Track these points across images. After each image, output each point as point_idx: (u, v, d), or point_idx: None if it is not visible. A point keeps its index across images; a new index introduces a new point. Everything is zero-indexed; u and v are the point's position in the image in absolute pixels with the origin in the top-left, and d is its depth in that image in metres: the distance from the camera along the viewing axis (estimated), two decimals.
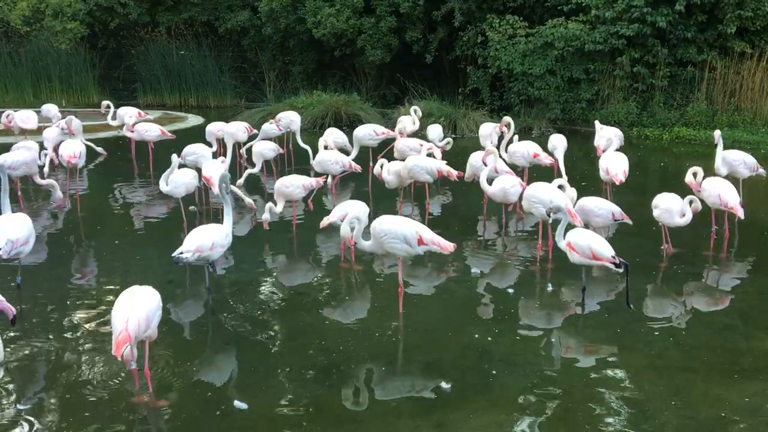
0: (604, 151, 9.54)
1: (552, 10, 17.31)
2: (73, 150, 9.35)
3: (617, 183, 8.64)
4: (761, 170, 8.83)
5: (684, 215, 7.19)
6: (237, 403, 4.52)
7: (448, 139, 11.59)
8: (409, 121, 11.81)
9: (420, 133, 12.07)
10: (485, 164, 8.30)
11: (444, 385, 4.80)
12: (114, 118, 13.14)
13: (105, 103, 13.64)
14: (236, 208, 9.54)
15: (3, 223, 5.95)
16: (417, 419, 4.42)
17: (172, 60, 21.53)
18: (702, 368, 5.10)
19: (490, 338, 5.56)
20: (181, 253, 5.80)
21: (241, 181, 9.42)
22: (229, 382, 4.91)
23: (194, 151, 9.74)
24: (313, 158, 9.84)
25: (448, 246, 5.93)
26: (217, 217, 8.60)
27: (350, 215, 6.05)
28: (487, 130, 11.25)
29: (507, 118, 10.23)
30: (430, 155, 9.60)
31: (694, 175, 7.89)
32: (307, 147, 10.89)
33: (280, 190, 8.01)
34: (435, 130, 11.69)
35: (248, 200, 8.36)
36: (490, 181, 8.06)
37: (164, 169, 8.45)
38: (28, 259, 6.57)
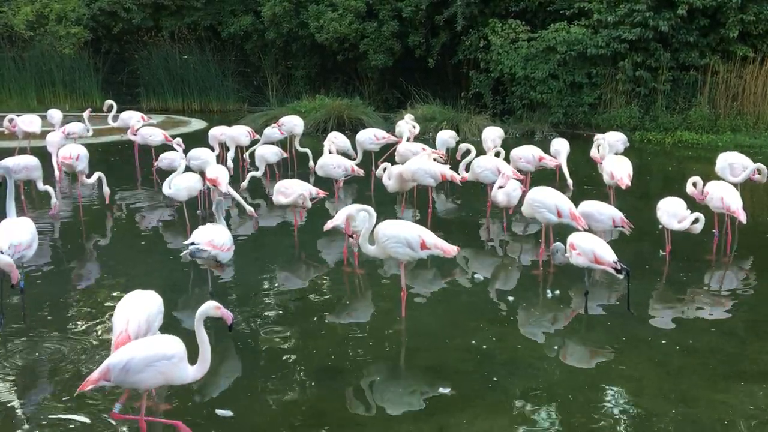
0: (603, 159, 9.53)
1: (554, 14, 17.33)
2: (70, 151, 9.37)
3: (623, 187, 8.62)
4: (757, 177, 8.78)
5: (681, 222, 7.18)
6: (219, 411, 4.50)
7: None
8: (406, 127, 11.81)
9: (425, 137, 12.05)
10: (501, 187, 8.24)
11: (442, 389, 4.80)
12: (115, 119, 13.19)
13: (108, 102, 13.69)
14: (239, 215, 9.58)
15: (6, 227, 5.96)
16: (419, 423, 4.42)
17: (175, 64, 21.58)
18: (705, 373, 5.09)
19: (492, 342, 5.56)
20: (193, 243, 5.79)
21: (245, 184, 9.43)
22: (232, 385, 4.91)
23: (198, 155, 9.76)
24: (314, 161, 9.85)
25: (450, 250, 5.93)
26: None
27: (360, 206, 6.04)
28: (489, 135, 11.26)
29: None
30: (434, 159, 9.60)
31: (694, 185, 7.86)
32: (307, 150, 10.88)
33: (279, 191, 8.03)
34: (443, 136, 11.62)
35: (249, 208, 8.38)
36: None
37: (167, 173, 8.47)
38: (31, 263, 6.59)
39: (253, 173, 9.91)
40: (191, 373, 4.12)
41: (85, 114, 12.74)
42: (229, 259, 6.16)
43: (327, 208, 9.50)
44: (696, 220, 7.13)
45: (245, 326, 5.88)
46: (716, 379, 5.00)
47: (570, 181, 10.09)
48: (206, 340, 4.14)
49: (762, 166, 8.58)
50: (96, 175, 9.14)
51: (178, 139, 10.43)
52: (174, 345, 4.08)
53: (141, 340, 4.20)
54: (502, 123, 16.31)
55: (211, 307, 4.18)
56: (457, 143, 10.76)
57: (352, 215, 6.18)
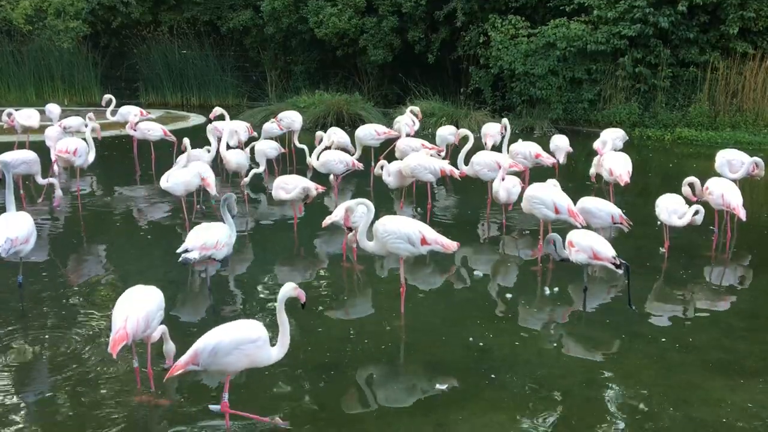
0: (603, 150, 9.54)
1: (554, 10, 17.31)
2: (67, 145, 9.33)
3: (622, 184, 8.60)
4: (755, 171, 8.78)
5: (682, 218, 7.19)
6: (212, 406, 4.48)
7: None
8: (407, 120, 11.79)
9: (424, 132, 12.02)
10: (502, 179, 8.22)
11: (440, 386, 4.79)
12: (113, 114, 13.15)
13: (107, 96, 13.65)
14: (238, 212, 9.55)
15: (3, 222, 5.93)
16: (417, 419, 4.42)
17: (174, 59, 21.53)
18: (704, 370, 5.09)
19: (490, 339, 5.55)
20: (186, 250, 5.79)
21: (246, 180, 9.42)
22: (231, 381, 4.90)
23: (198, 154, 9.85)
24: (310, 157, 9.83)
25: (451, 245, 5.92)
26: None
27: (359, 200, 6.03)
28: (489, 131, 11.26)
29: (494, 123, 10.21)
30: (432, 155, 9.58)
31: (691, 186, 7.83)
32: (304, 146, 10.84)
33: (279, 186, 8.01)
34: (443, 132, 11.58)
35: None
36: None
37: (166, 168, 8.45)
38: (29, 258, 6.57)
39: (255, 170, 9.88)
40: (273, 354, 4.25)
41: (88, 117, 12.32)
42: (225, 256, 6.12)
43: (326, 204, 9.49)
44: (696, 212, 7.15)
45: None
46: (716, 376, 5.00)
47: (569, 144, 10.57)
48: (286, 321, 4.27)
49: (759, 161, 8.59)
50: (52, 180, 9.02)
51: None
52: (258, 329, 4.22)
53: (225, 325, 4.29)
54: (502, 119, 16.28)
55: (290, 288, 4.32)
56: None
57: (351, 208, 6.18)
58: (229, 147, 10.24)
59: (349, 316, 6.09)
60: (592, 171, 9.81)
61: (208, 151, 10.03)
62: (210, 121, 10.67)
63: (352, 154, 10.34)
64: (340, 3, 19.13)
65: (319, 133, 10.63)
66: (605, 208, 7.15)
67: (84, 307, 6.15)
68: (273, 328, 5.77)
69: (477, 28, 18.11)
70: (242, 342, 4.14)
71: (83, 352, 5.26)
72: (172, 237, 8.19)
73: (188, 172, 8.43)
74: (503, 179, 8.05)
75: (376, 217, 5.97)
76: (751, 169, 8.55)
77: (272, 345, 4.30)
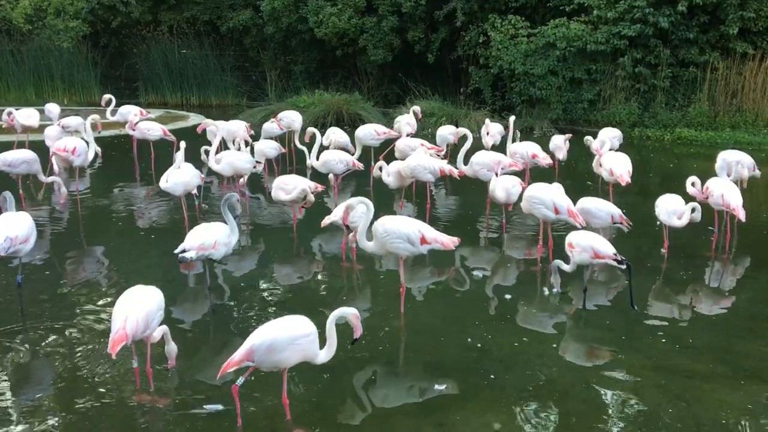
0: (601, 150, 9.57)
1: (554, 10, 17.32)
2: (65, 144, 9.31)
3: (623, 184, 8.59)
4: (757, 171, 8.79)
5: (681, 218, 7.20)
6: (208, 406, 4.49)
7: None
8: (408, 119, 11.79)
9: (424, 132, 12.03)
10: (496, 174, 8.28)
11: (439, 386, 4.79)
12: (113, 114, 13.15)
13: (107, 96, 13.65)
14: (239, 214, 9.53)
15: (3, 221, 5.92)
16: (418, 419, 4.42)
17: (174, 59, 21.54)
18: (704, 371, 5.09)
19: (490, 339, 5.55)
20: (184, 251, 5.80)
21: (243, 179, 9.43)
22: (231, 381, 4.90)
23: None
24: (310, 158, 9.82)
25: (450, 243, 5.91)
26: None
27: (359, 199, 6.02)
28: (490, 130, 11.29)
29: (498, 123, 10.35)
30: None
31: (693, 184, 7.84)
32: (304, 148, 10.85)
33: (279, 186, 8.01)
34: (443, 132, 11.57)
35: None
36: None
37: (165, 168, 8.45)
38: (29, 258, 6.57)
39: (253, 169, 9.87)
40: (322, 355, 4.37)
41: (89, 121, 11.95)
42: (223, 255, 6.09)
43: (326, 203, 9.49)
44: (693, 210, 7.16)
45: (242, 321, 5.86)
46: (715, 376, 5.00)
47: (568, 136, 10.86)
48: (335, 333, 4.36)
49: (745, 158, 8.58)
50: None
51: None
52: (308, 324, 4.31)
53: (275, 321, 4.35)
54: (501, 119, 16.27)
55: (350, 312, 4.42)
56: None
57: (351, 205, 6.18)
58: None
59: None
60: (589, 141, 10.30)
61: (206, 152, 9.99)
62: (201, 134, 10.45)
63: (352, 154, 10.34)
64: (340, 3, 19.13)
65: (310, 129, 10.50)
66: (605, 208, 7.14)
67: (84, 307, 6.14)
68: None
69: (477, 28, 18.11)
70: (297, 337, 4.23)
71: (83, 352, 5.26)
72: (172, 237, 8.17)
73: (187, 172, 8.41)
74: (497, 174, 8.08)
75: (376, 216, 5.97)
76: (740, 168, 8.51)
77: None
